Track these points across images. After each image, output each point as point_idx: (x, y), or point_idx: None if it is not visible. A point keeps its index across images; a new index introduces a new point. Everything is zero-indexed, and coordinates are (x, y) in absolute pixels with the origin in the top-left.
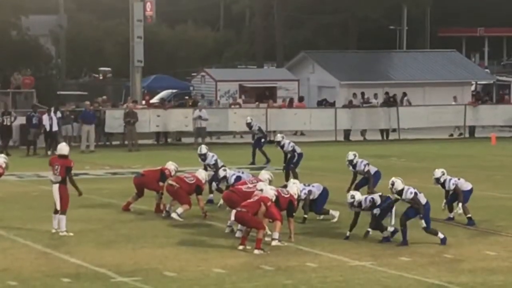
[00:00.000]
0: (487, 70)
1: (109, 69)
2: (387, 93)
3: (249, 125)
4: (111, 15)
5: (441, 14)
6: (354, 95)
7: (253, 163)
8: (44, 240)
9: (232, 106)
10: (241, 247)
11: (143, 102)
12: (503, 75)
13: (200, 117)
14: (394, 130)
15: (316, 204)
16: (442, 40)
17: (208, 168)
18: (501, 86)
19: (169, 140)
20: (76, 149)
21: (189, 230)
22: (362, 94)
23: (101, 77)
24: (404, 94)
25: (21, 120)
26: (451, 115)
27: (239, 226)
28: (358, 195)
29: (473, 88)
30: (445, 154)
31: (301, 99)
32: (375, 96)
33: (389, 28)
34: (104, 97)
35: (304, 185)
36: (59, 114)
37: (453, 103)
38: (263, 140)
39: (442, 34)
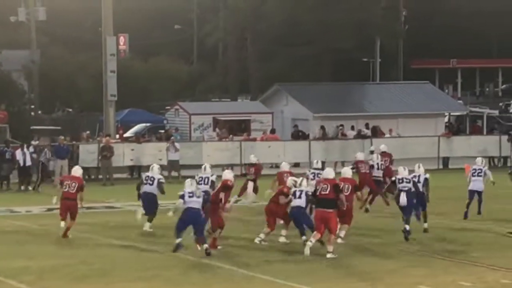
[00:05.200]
0: (460, 101)
1: None
2: (367, 124)
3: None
4: (84, 49)
5: (414, 46)
6: (322, 127)
7: None
8: (19, 276)
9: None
10: None
11: (117, 136)
12: (476, 106)
13: (172, 149)
14: None
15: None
16: (415, 72)
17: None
18: (474, 117)
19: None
20: (49, 185)
21: (164, 263)
22: (338, 126)
23: None
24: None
25: None
26: (425, 147)
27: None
28: None
29: (446, 119)
30: None
31: (273, 131)
32: (352, 128)
33: (363, 60)
34: (88, 132)
35: None
36: (31, 149)
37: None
38: None
39: (415, 66)
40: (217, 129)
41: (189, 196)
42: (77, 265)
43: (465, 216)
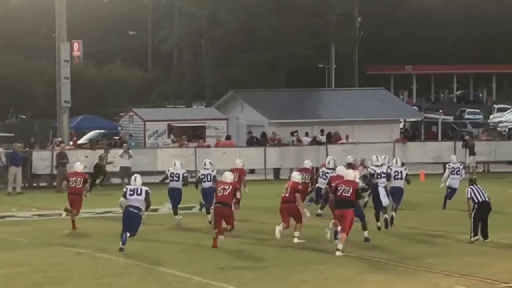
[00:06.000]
0: (415, 107)
1: None
2: (322, 130)
3: None
4: (39, 55)
5: (369, 52)
6: (273, 134)
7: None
8: None
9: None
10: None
11: (71, 143)
12: (431, 112)
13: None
14: None
15: None
16: (371, 78)
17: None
18: (429, 123)
19: (97, 181)
20: (3, 191)
21: (119, 270)
22: (292, 133)
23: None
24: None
25: None
26: (380, 153)
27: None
28: None
29: (401, 125)
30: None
31: (228, 137)
32: (306, 134)
33: (318, 66)
34: (59, 138)
35: None
36: None
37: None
38: None
39: (370, 72)
40: (171, 136)
41: (130, 194)
42: (30, 273)
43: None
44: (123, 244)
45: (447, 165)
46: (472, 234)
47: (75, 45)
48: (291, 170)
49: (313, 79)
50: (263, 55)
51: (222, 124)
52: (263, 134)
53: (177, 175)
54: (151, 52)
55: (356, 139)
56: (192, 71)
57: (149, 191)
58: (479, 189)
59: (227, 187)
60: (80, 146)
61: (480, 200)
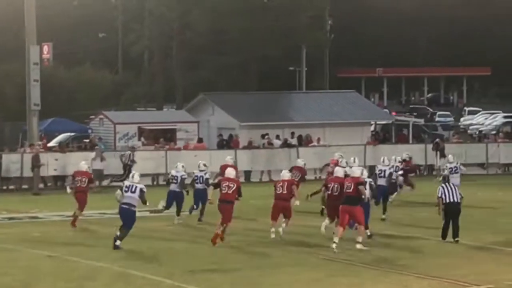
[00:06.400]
0: (386, 110)
1: None
2: (292, 133)
3: None
4: (9, 58)
5: (340, 55)
6: (236, 136)
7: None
8: None
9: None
10: None
11: (40, 145)
12: (402, 115)
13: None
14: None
15: None
16: (342, 81)
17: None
18: (400, 126)
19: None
20: None
21: (88, 273)
22: (263, 135)
23: None
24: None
25: None
26: (352, 155)
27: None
28: None
29: (372, 128)
30: None
31: (200, 140)
32: (277, 137)
33: (289, 69)
34: (40, 142)
35: None
36: None
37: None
38: None
39: (341, 75)
40: (142, 138)
41: (125, 191)
42: (0, 276)
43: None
44: (118, 239)
45: (444, 166)
46: (441, 236)
47: (45, 47)
48: (262, 173)
49: (284, 81)
50: (234, 57)
51: (193, 126)
52: (230, 136)
53: (176, 178)
54: (122, 54)
55: (327, 141)
56: (162, 73)
57: (144, 189)
58: (451, 188)
59: (232, 185)
60: (50, 149)
61: (449, 201)
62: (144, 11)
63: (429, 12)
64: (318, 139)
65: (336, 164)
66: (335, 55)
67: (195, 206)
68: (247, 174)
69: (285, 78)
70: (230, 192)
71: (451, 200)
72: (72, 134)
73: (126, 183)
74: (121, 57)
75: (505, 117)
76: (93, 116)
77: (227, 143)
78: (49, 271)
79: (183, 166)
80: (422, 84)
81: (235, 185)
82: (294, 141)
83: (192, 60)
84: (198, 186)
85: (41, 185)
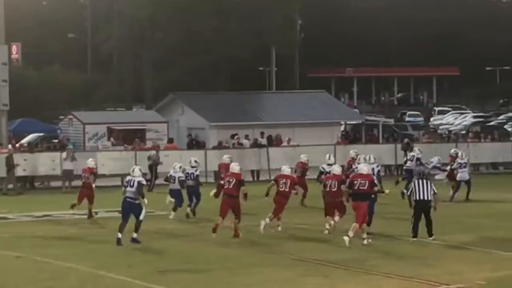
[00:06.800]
0: (356, 110)
1: None
2: (262, 133)
3: None
4: None
5: (310, 55)
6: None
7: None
8: None
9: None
10: None
11: (9, 146)
12: (372, 115)
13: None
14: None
15: None
16: (312, 81)
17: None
18: (370, 126)
19: (36, 184)
20: None
21: (58, 274)
22: (232, 135)
23: None
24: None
25: None
26: (321, 155)
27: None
28: None
29: (342, 128)
30: (317, 194)
31: (170, 140)
32: (246, 137)
33: (259, 69)
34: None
35: None
36: None
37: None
38: None
39: (311, 75)
40: (111, 139)
41: (125, 186)
42: None
43: (451, 199)
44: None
45: (455, 161)
46: (412, 235)
47: (14, 47)
48: None
49: (255, 82)
50: (204, 57)
51: (163, 127)
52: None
53: (174, 178)
54: (91, 55)
55: (297, 141)
56: (132, 73)
57: (142, 182)
58: (425, 185)
59: (231, 180)
60: (19, 149)
61: (419, 198)
62: (113, 11)
63: (400, 12)
64: (289, 139)
65: (353, 162)
66: (305, 55)
67: (190, 203)
68: (217, 174)
69: (256, 78)
70: (230, 186)
71: (421, 198)
72: (41, 134)
73: (127, 178)
74: (90, 58)
75: (474, 117)
76: (62, 117)
77: (197, 143)
78: (17, 272)
79: (180, 167)
80: (392, 84)
81: (235, 179)
82: (264, 141)
83: (162, 60)
84: (189, 182)
85: (11, 185)
